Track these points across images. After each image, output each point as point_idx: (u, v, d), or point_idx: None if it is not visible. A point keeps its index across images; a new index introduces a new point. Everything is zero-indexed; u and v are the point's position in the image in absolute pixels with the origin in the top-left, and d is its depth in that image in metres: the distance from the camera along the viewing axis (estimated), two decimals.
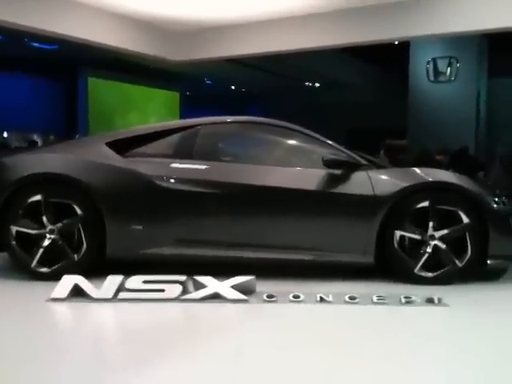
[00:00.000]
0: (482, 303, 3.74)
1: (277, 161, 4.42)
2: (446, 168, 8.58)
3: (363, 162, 4.28)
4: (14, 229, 4.15)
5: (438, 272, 4.02)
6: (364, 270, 4.19)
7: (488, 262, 4.02)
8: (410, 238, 4.06)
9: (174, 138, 4.49)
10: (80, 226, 4.13)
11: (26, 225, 4.16)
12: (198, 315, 3.45)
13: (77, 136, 13.85)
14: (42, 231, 4.14)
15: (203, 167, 4.27)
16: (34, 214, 4.16)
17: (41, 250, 4.12)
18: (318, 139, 4.42)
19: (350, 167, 4.18)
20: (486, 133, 14.52)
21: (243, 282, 3.66)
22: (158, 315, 3.42)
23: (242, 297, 3.56)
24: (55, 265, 4.12)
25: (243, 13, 9.60)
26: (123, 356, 2.75)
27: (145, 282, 3.69)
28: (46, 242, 4.13)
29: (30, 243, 4.17)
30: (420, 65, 14.03)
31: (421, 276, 4.04)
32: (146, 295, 3.61)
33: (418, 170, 4.24)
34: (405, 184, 4.05)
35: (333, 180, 4.16)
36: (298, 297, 3.57)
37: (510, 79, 14.94)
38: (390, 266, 4.15)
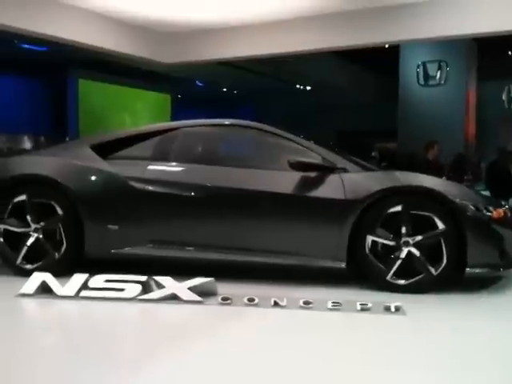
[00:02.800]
0: (445, 314, 3.51)
1: (252, 163, 4.37)
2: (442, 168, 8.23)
3: (338, 164, 4.11)
4: (1, 227, 4.36)
5: (411, 280, 3.86)
6: (335, 275, 4.06)
7: (466, 270, 3.82)
8: (383, 244, 3.91)
9: (154, 140, 4.57)
10: (60, 225, 4.28)
11: (13, 223, 4.34)
12: (148, 316, 3.48)
13: (67, 138, 13.80)
14: (27, 229, 4.31)
15: (177, 169, 4.36)
16: (20, 213, 4.33)
17: (25, 248, 4.29)
18: (296, 141, 4.31)
19: (324, 170, 4.07)
20: (475, 136, 14.62)
21: (203, 284, 3.68)
22: (113, 315, 3.46)
23: (198, 298, 3.57)
24: (38, 262, 4.26)
25: (234, 15, 9.60)
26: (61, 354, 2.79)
27: (107, 280, 3.76)
28: (30, 240, 4.29)
29: (16, 241, 4.34)
30: (410, 68, 14.10)
31: (393, 283, 3.88)
32: (106, 294, 3.66)
33: (394, 174, 4.12)
34: (376, 188, 3.91)
35: (304, 183, 4.07)
36: (252, 300, 3.54)
37: (499, 82, 15.07)
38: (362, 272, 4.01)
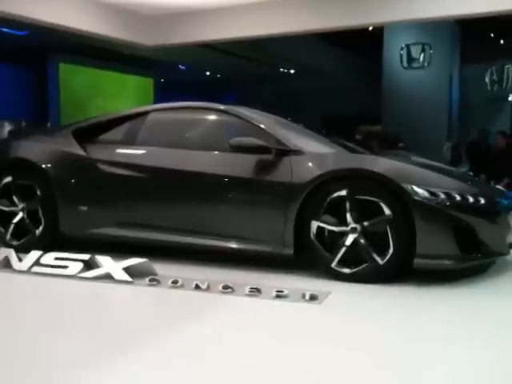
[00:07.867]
0: (369, 306, 3.29)
1: (214, 146, 4.29)
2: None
3: (292, 147, 3.97)
4: None
5: (356, 269, 3.68)
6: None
7: (414, 261, 3.55)
8: (330, 231, 3.76)
9: (126, 124, 4.71)
10: (39, 205, 4.60)
11: (3, 203, 4.73)
12: (75, 293, 3.66)
13: (48, 123, 13.61)
14: (14, 209, 4.70)
15: (142, 152, 4.45)
16: (9, 194, 4.72)
17: (12, 226, 4.69)
18: (254, 123, 4.20)
19: (271, 152, 3.95)
20: (458, 118, 14.71)
21: (139, 264, 3.81)
22: (44, 290, 3.68)
23: (128, 279, 3.71)
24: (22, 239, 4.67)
25: None
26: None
27: (56, 258, 4.02)
28: (16, 219, 4.68)
29: (7, 220, 4.73)
30: (394, 51, 14.09)
31: (338, 271, 3.73)
32: (51, 270, 3.92)
33: (343, 156, 4.03)
34: (319, 171, 3.77)
35: (254, 166, 3.99)
36: (176, 282, 3.61)
37: (482, 65, 15.13)
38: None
